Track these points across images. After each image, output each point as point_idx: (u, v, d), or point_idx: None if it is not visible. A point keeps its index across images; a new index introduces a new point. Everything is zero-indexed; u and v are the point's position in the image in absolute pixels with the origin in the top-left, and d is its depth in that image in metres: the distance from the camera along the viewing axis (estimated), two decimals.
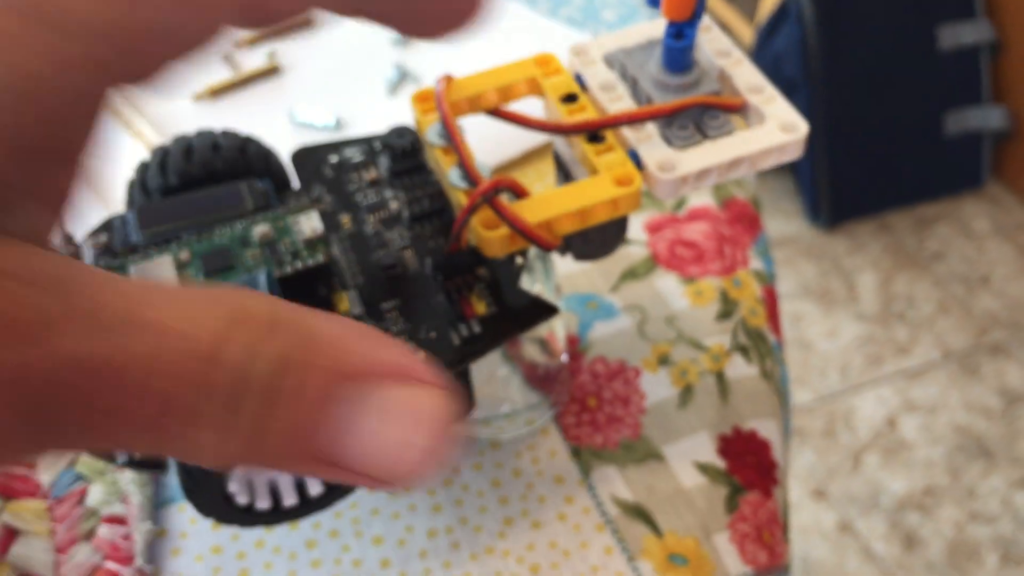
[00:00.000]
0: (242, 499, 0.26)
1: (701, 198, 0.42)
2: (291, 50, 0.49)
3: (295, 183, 0.32)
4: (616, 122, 0.29)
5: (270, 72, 0.47)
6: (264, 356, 0.14)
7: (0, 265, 0.13)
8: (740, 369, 0.36)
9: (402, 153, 0.32)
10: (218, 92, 0.46)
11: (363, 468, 0.15)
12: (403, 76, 0.47)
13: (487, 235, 0.27)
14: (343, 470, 0.15)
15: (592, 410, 0.34)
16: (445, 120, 0.29)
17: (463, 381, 0.28)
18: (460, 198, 0.28)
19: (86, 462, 0.32)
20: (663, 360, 0.36)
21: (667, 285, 0.39)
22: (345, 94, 0.46)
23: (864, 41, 1.40)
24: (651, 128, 0.29)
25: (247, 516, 0.27)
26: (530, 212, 0.27)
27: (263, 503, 0.27)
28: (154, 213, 0.30)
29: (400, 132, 0.33)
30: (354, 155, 0.33)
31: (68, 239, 0.28)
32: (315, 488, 0.27)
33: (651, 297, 0.38)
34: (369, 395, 0.15)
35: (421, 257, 0.30)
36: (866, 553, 1.10)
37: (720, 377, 0.35)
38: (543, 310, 0.28)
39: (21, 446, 0.13)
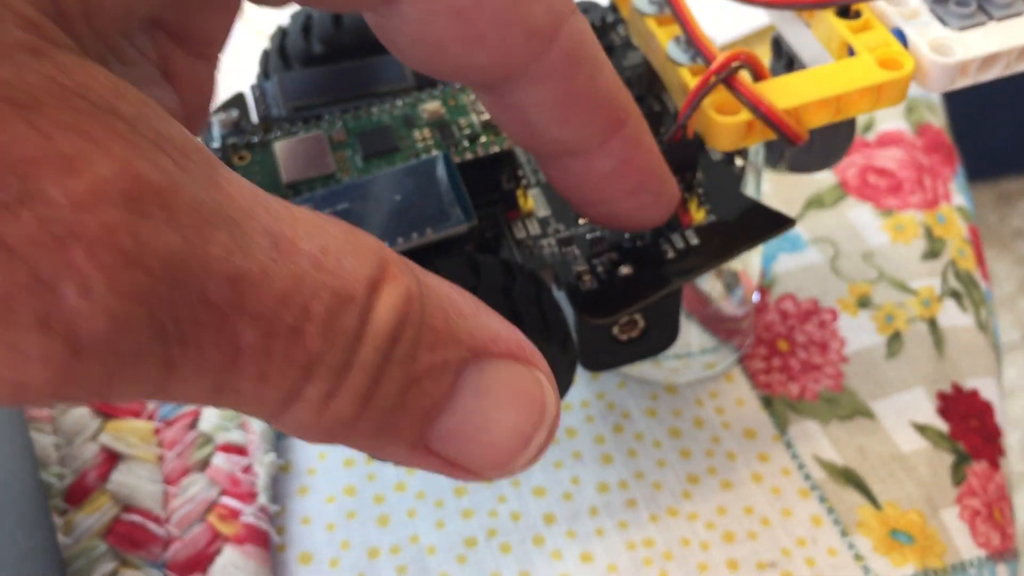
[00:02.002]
0: None
1: (893, 121, 0.36)
2: None
3: None
4: None
5: None
6: (412, 322, 0.13)
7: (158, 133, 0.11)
8: (954, 317, 0.30)
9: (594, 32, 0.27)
10: None
11: (464, 458, 0.14)
12: None
13: (722, 121, 0.21)
14: (439, 458, 0.14)
15: (784, 355, 0.29)
16: None
17: (671, 306, 0.23)
18: (683, 77, 0.22)
19: None
20: (863, 302, 0.30)
21: (861, 217, 0.33)
22: None
23: None
24: (917, 3, 0.23)
25: None
26: (775, 96, 0.22)
27: None
28: (298, 84, 0.25)
29: (584, 7, 0.27)
30: None
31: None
32: None
33: (843, 229, 0.32)
34: (486, 375, 0.14)
35: None
36: None
37: (933, 325, 0.30)
38: (777, 221, 0.23)
39: (147, 372, 0.11)
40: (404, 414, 0.13)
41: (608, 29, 0.27)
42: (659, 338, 0.24)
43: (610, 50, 0.27)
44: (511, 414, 0.14)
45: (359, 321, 0.12)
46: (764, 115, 0.21)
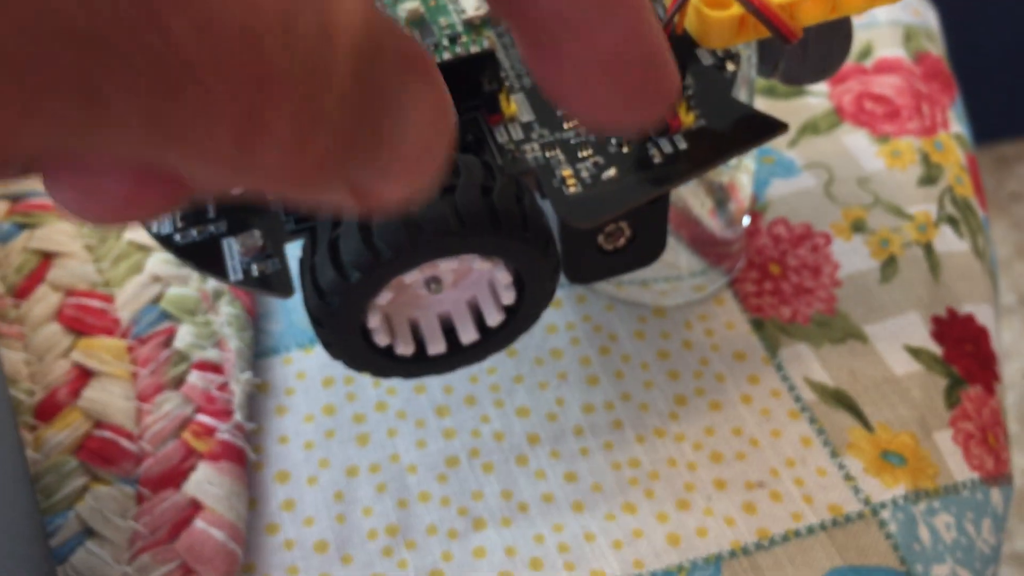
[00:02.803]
0: (381, 339, 0.21)
1: (890, 48, 0.35)
2: None
3: None
4: None
5: None
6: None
7: None
8: (951, 243, 0.30)
9: None
10: None
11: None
12: None
13: (712, 16, 0.20)
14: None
15: (775, 278, 0.28)
16: None
17: (658, 214, 0.22)
18: None
19: (173, 298, 0.26)
20: (858, 226, 0.30)
21: (856, 143, 0.32)
22: None
23: None
24: None
25: (385, 362, 0.21)
26: None
27: (405, 348, 0.21)
28: None
29: None
30: None
31: None
32: (467, 335, 0.22)
33: (838, 155, 0.32)
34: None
35: None
36: None
37: (929, 250, 0.29)
38: (769, 126, 0.22)
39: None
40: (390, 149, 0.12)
41: None
42: (646, 248, 0.23)
43: None
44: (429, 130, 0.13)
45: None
46: (757, 9, 0.20)
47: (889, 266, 0.29)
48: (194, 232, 0.21)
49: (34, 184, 0.29)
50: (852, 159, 0.32)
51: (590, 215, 0.21)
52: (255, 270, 0.20)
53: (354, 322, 0.20)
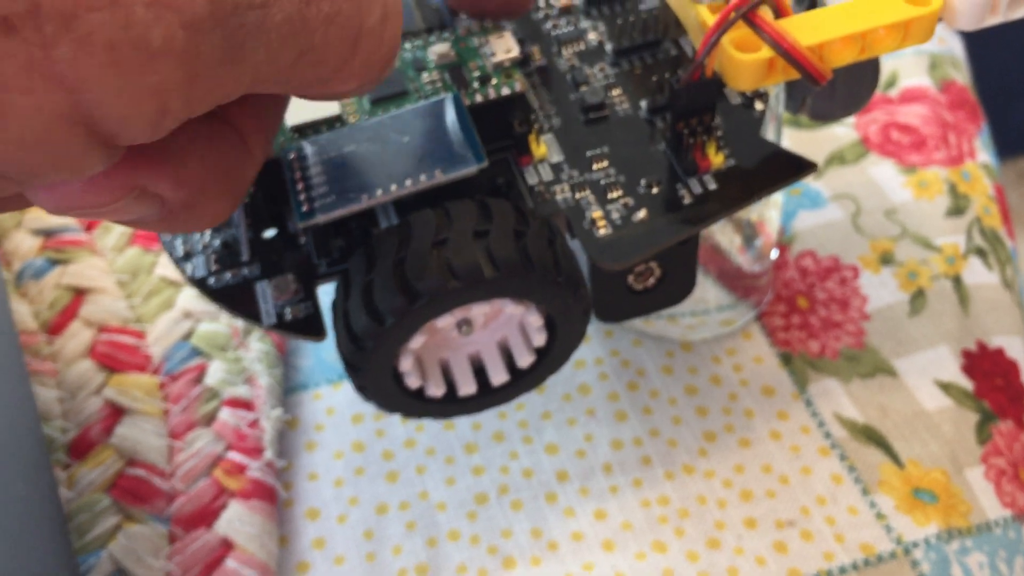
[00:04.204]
0: (413, 381, 0.21)
1: (916, 77, 0.35)
2: None
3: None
4: None
5: None
6: None
7: None
8: (979, 275, 0.29)
9: None
10: None
11: None
12: None
13: (741, 59, 0.21)
14: None
15: (803, 312, 0.28)
16: None
17: (688, 254, 0.22)
18: (701, 15, 0.21)
19: (204, 335, 0.27)
20: (886, 259, 0.30)
21: (883, 173, 0.32)
22: None
23: None
24: None
25: (417, 404, 0.21)
26: (797, 33, 0.21)
27: (436, 390, 0.21)
28: None
29: None
30: None
31: None
32: (498, 376, 0.22)
33: (864, 186, 0.32)
34: None
35: (633, 98, 0.24)
36: None
37: (958, 282, 0.29)
38: (798, 165, 0.22)
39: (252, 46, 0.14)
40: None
41: None
42: (675, 288, 0.23)
43: None
44: None
45: None
46: (786, 52, 0.20)
47: (918, 299, 0.29)
48: (228, 275, 0.21)
49: (67, 220, 0.30)
50: (879, 190, 0.31)
51: (620, 257, 0.21)
52: (288, 314, 0.21)
53: (387, 366, 0.20)
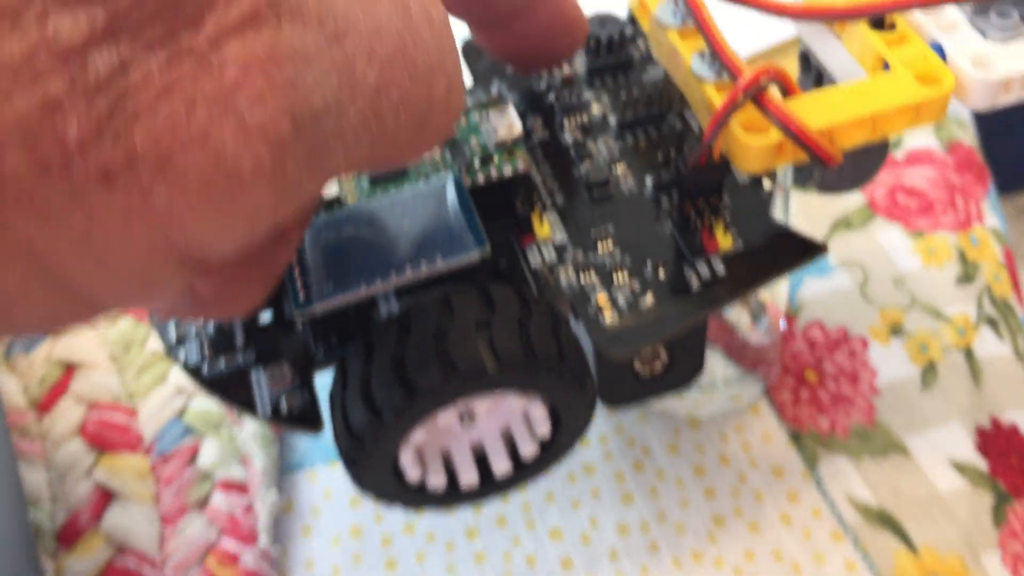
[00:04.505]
0: (413, 474, 0.20)
1: (922, 138, 0.35)
2: None
3: (467, 78, 0.26)
4: (911, 3, 0.22)
5: None
6: None
7: None
8: (991, 346, 0.29)
9: (606, 46, 0.25)
10: None
11: None
12: None
13: (750, 142, 0.20)
14: None
15: (812, 386, 0.28)
16: None
17: (696, 338, 0.22)
18: (708, 94, 0.21)
19: (197, 412, 0.26)
20: (895, 330, 0.29)
21: (890, 239, 0.31)
22: None
23: None
24: (955, 14, 0.22)
25: (417, 496, 0.21)
26: (806, 115, 0.20)
27: (437, 481, 0.21)
28: None
29: (601, 20, 0.26)
30: None
31: None
32: (501, 465, 0.21)
33: (872, 252, 0.31)
34: None
35: (638, 174, 0.23)
36: None
37: (969, 355, 0.28)
38: (808, 248, 0.21)
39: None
40: None
41: (627, 43, 0.26)
42: (683, 372, 0.22)
43: (629, 65, 0.25)
44: None
45: None
46: (795, 135, 0.20)
47: (929, 373, 0.28)
48: (222, 362, 0.21)
49: None
50: (887, 257, 0.31)
51: (627, 346, 0.20)
52: (284, 405, 0.20)
53: (386, 459, 0.19)
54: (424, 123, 0.15)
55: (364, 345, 0.19)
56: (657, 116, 0.24)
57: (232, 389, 0.20)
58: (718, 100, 0.21)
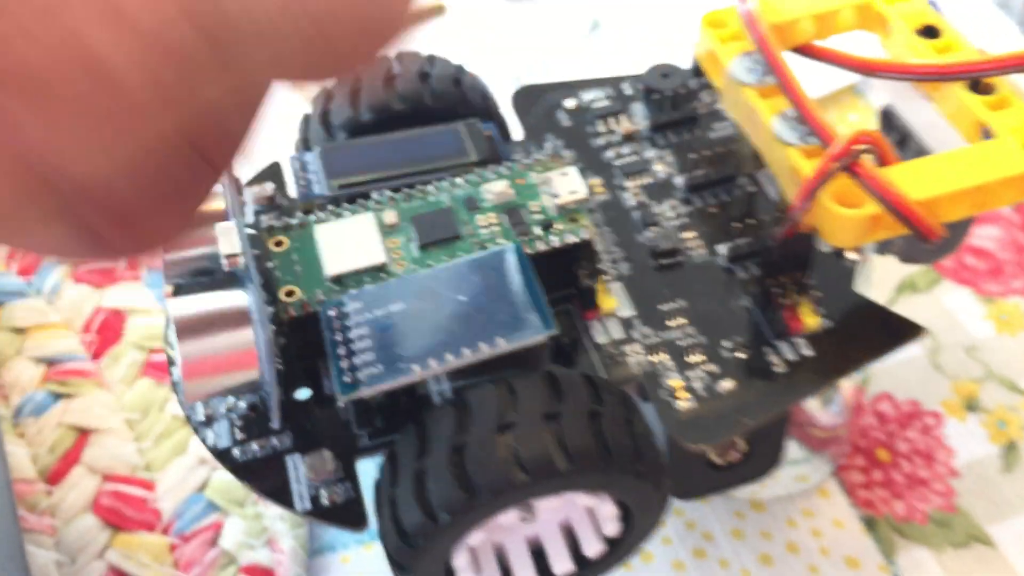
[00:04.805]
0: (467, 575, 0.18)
1: None
2: None
3: (515, 132, 0.24)
4: (1019, 65, 0.20)
5: (434, 12, 0.39)
6: None
7: None
8: None
9: (670, 100, 0.24)
10: None
11: None
12: (595, 26, 0.38)
13: (845, 215, 0.18)
14: None
15: (885, 466, 0.26)
16: (764, 48, 0.20)
17: (777, 428, 0.20)
18: (793, 159, 0.19)
19: (220, 486, 0.24)
20: (971, 404, 0.27)
21: (960, 303, 0.29)
22: (526, 41, 0.38)
23: None
24: None
25: None
26: (905, 185, 0.18)
27: None
28: (344, 157, 0.22)
29: (664, 71, 0.24)
30: (598, 99, 0.25)
31: (236, 185, 0.20)
32: (562, 563, 0.19)
33: (941, 317, 0.29)
34: None
35: (709, 242, 0.21)
36: None
37: None
38: (905, 330, 0.19)
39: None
40: None
41: (691, 96, 0.24)
42: (762, 462, 0.20)
43: (694, 120, 0.24)
44: None
45: None
46: (896, 208, 0.18)
47: (1010, 452, 0.26)
48: (255, 446, 0.19)
49: (72, 347, 0.27)
50: (957, 323, 0.29)
51: (706, 437, 0.18)
52: (325, 498, 0.18)
53: (438, 563, 0.17)
54: (367, 25, 0.12)
55: (416, 434, 0.17)
56: (728, 178, 0.22)
57: (265, 476, 0.18)
58: (805, 166, 0.19)
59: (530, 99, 0.25)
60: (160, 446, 0.25)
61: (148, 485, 0.24)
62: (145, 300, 0.28)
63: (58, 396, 0.26)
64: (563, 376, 0.17)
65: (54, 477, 0.24)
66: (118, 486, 0.24)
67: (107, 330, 0.27)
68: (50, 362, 0.27)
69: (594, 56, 0.37)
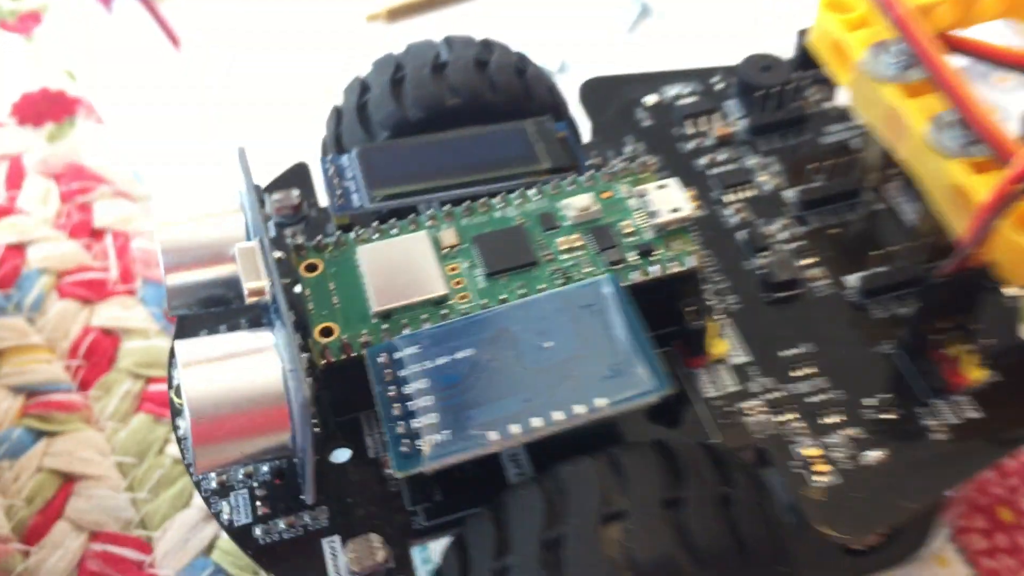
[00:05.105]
0: None
1: None
2: None
3: (582, 131, 0.20)
4: None
5: None
6: None
7: None
8: None
9: (775, 98, 0.20)
10: (398, 14, 0.34)
11: None
12: (644, 12, 0.35)
13: None
14: None
15: (1008, 528, 0.22)
16: (909, 35, 0.17)
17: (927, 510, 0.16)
18: (954, 175, 0.15)
19: (231, 550, 0.20)
20: None
21: None
22: (566, 29, 0.34)
23: None
24: None
25: None
26: None
27: None
28: (388, 161, 0.18)
29: (764, 63, 0.20)
30: (684, 95, 0.21)
31: (257, 192, 0.16)
32: None
33: None
34: None
35: (834, 270, 0.17)
36: None
37: None
38: None
39: None
40: None
41: (795, 93, 0.20)
42: (903, 547, 0.16)
43: (802, 121, 0.20)
44: None
45: None
46: None
47: None
48: (282, 524, 0.15)
49: (55, 374, 0.23)
50: None
51: (858, 526, 0.14)
52: None
53: None
54: None
55: (493, 520, 0.14)
56: (849, 192, 0.18)
57: (295, 565, 0.15)
58: (974, 184, 0.15)
59: (602, 92, 0.21)
60: (159, 497, 0.21)
61: (144, 547, 0.20)
62: (141, 319, 0.24)
63: (39, 434, 0.22)
64: (680, 448, 0.14)
65: (32, 535, 0.20)
66: (108, 547, 0.20)
67: (97, 354, 0.24)
68: (30, 392, 0.23)
69: (641, 46, 0.33)
